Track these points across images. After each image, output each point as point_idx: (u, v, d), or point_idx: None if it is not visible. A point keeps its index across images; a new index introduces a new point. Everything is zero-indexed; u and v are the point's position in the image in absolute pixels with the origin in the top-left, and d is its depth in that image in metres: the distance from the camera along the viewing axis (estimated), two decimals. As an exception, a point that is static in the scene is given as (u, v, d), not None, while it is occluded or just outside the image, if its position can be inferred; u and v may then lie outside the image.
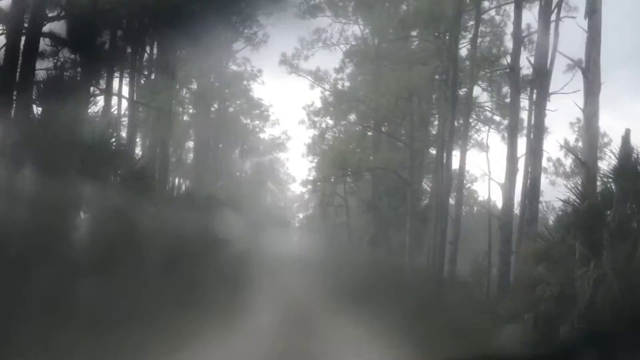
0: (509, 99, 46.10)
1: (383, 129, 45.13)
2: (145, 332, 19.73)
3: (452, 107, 37.90)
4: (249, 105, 65.28)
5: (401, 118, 43.57)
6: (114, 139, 24.97)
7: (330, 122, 54.98)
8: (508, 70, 34.40)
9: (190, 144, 56.99)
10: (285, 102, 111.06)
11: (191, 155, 56.78)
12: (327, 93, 49.76)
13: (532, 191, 29.19)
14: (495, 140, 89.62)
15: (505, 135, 46.16)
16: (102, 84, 30.77)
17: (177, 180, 32.36)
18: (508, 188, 32.25)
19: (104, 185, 22.44)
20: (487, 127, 51.86)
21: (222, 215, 33.48)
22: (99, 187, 22.11)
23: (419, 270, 41.70)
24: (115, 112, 31.23)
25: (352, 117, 50.02)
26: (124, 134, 33.10)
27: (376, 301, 37.85)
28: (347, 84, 49.59)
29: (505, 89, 47.21)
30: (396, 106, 41.86)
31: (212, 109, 57.12)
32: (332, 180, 49.25)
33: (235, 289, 31.54)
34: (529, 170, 31.26)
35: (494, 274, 38.68)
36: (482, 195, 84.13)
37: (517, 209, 33.69)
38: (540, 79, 29.79)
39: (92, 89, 29.56)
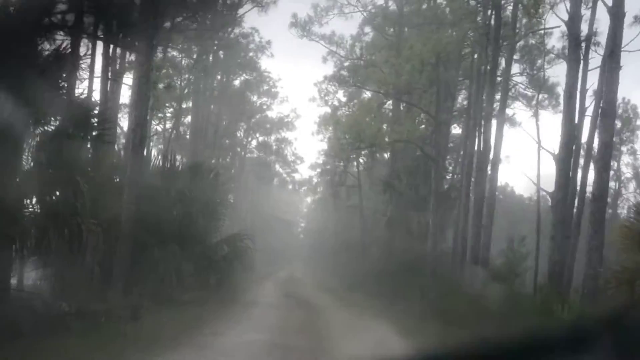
0: (543, 70, 40.35)
1: (404, 99, 38.61)
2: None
3: (492, 63, 31.69)
4: (256, 80, 58.99)
5: (427, 86, 37.16)
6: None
7: (344, 98, 49.04)
8: (564, 23, 27.93)
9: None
10: (295, 79, 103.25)
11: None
12: (342, 60, 43.40)
13: (602, 160, 22.80)
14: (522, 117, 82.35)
15: (532, 112, 40.91)
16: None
17: (170, 156, 26.27)
18: (564, 158, 25.84)
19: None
20: (516, 104, 46.10)
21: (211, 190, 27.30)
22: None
23: (444, 257, 35.55)
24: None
25: (368, 94, 43.90)
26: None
27: (397, 295, 32.19)
28: (365, 52, 42.94)
29: (540, 62, 41.36)
30: (421, 73, 35.51)
31: (215, 82, 50.80)
32: (346, 155, 42.83)
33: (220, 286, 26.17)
34: (597, 135, 25.03)
35: (532, 263, 32.53)
36: (501, 180, 78.17)
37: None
38: (615, 26, 23.40)
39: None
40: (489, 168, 32.52)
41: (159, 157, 26.49)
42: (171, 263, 23.28)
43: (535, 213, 34.60)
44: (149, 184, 23.15)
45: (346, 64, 42.39)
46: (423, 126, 39.90)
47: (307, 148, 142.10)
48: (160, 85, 34.43)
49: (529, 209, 57.75)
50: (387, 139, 37.08)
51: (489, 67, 32.35)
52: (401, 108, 40.34)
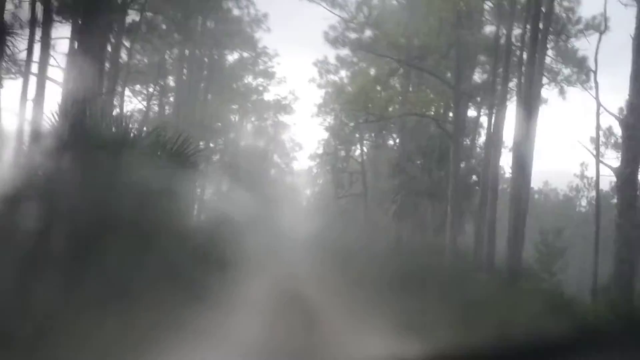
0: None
1: (418, 66, 32.01)
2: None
3: (531, 30, 25.37)
4: (251, 56, 52.49)
5: (446, 49, 30.56)
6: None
7: (347, 80, 42.63)
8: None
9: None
10: (293, 60, 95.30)
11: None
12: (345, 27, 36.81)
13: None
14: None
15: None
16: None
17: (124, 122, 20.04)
18: (634, 123, 19.43)
19: None
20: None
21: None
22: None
23: (464, 254, 29.39)
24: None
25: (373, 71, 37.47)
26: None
27: (407, 296, 26.20)
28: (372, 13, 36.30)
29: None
30: (439, 33, 29.12)
31: (205, 58, 44.37)
32: (349, 137, 36.31)
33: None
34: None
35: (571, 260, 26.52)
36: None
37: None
38: None
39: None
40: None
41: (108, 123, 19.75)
42: (121, 259, 16.92)
43: (568, 208, 28.54)
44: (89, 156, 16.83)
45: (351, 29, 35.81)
46: (441, 97, 33.42)
47: (306, 136, 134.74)
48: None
49: (559, 204, 50.96)
50: (398, 112, 30.64)
51: (527, 34, 26.05)
52: (413, 77, 33.78)
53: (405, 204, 32.75)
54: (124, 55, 32.30)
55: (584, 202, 58.42)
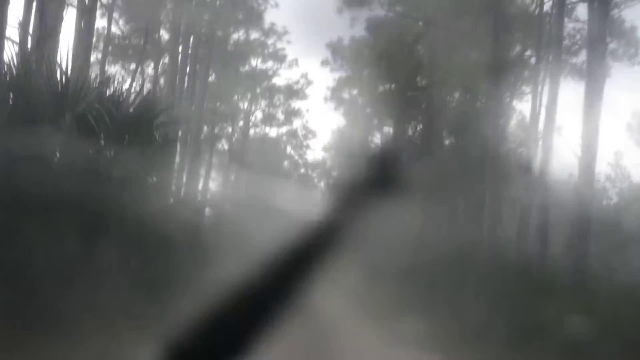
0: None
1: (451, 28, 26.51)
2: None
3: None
4: (259, 37, 47.32)
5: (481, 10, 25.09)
6: None
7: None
8: None
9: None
10: (305, 41, 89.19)
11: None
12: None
13: None
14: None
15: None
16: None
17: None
18: None
19: None
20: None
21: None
22: None
23: (503, 249, 24.44)
24: None
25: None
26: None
27: (437, 300, 21.90)
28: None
29: None
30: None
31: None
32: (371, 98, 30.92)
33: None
34: None
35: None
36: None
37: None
38: None
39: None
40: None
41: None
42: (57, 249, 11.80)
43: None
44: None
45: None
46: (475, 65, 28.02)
47: (321, 124, 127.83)
48: None
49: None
50: (426, 82, 25.28)
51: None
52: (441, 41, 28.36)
53: (432, 189, 27.45)
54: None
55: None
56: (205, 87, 38.71)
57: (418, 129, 36.50)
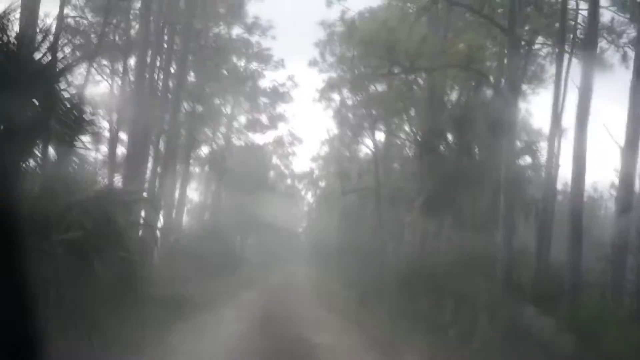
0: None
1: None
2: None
3: None
4: (241, 33, 43.52)
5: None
6: None
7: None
8: None
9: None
10: (290, 41, 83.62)
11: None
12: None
13: None
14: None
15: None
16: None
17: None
18: None
19: None
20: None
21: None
22: None
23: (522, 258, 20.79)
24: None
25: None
26: None
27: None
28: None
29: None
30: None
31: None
32: (369, 77, 26.63)
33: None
34: None
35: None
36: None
37: None
38: None
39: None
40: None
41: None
42: None
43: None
44: None
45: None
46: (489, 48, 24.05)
47: (307, 131, 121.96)
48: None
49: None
50: (432, 63, 21.27)
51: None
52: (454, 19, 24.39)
53: (435, 194, 23.64)
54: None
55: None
56: (181, 85, 34.79)
57: (414, 129, 32.85)
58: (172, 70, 34.56)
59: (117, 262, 10.57)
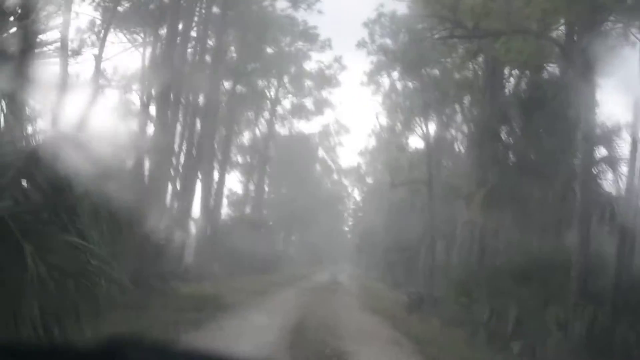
0: None
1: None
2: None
3: None
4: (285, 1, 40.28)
5: None
6: None
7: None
8: None
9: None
10: (337, 19, 79.00)
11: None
12: None
13: None
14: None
15: None
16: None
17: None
18: None
19: None
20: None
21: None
22: None
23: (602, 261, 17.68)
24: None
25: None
26: None
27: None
28: None
29: None
30: None
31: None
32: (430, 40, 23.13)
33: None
34: None
35: None
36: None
37: None
38: None
39: None
40: None
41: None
42: None
43: None
44: None
45: None
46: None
47: (354, 119, 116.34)
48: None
49: None
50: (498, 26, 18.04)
51: None
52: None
53: (500, 186, 20.51)
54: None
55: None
56: (219, 59, 31.98)
57: (469, 119, 29.84)
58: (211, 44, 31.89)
59: (64, 250, 7.70)
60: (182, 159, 30.10)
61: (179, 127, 29.07)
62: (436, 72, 31.10)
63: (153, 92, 27.50)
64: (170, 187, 29.52)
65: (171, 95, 25.60)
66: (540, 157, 20.46)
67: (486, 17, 16.96)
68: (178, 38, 26.68)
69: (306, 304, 24.74)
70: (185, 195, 28.96)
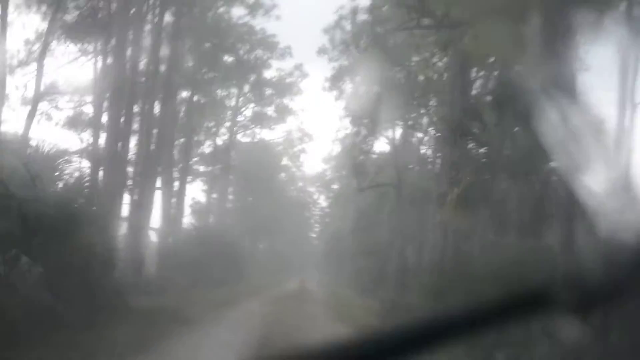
0: None
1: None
2: None
3: None
4: (242, 9, 38.99)
5: None
6: None
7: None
8: None
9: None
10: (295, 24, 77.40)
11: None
12: None
13: None
14: None
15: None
16: None
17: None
18: None
19: None
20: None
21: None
22: None
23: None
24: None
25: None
26: None
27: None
28: None
29: None
30: None
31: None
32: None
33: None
34: None
35: None
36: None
37: None
38: None
39: None
40: None
41: None
42: None
43: None
44: None
45: None
46: None
47: (317, 126, 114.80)
48: None
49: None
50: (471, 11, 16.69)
51: None
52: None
53: (472, 187, 19.24)
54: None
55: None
56: (173, 68, 30.51)
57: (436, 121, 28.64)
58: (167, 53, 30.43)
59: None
60: (139, 169, 28.58)
61: (135, 137, 27.70)
62: (400, 75, 30.13)
63: (105, 103, 26.19)
64: (128, 197, 28.13)
65: (123, 105, 24.17)
66: (515, 155, 19.19)
67: (455, 5, 15.67)
68: (129, 48, 25.19)
69: (273, 315, 23.22)
70: (144, 204, 27.44)
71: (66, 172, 17.21)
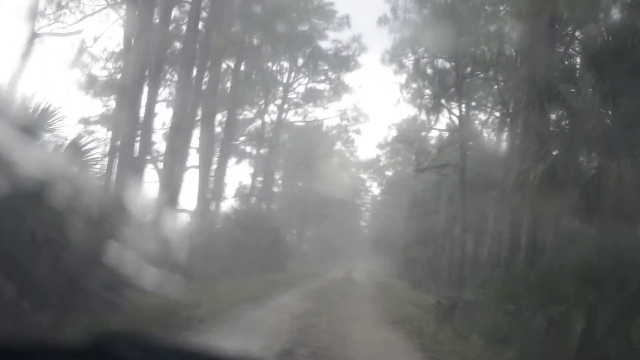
0: None
1: None
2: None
3: None
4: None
5: None
6: None
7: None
8: None
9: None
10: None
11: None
12: None
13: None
14: None
15: None
16: None
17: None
18: None
19: None
20: None
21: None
22: None
23: None
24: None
25: None
26: None
27: None
28: None
29: None
30: None
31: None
32: None
33: None
34: None
35: None
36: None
37: None
38: None
39: None
40: None
41: None
42: None
43: None
44: None
45: None
46: None
47: (374, 106, 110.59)
48: None
49: None
50: None
51: None
52: None
53: (562, 163, 15.02)
54: None
55: None
56: (213, 27, 26.47)
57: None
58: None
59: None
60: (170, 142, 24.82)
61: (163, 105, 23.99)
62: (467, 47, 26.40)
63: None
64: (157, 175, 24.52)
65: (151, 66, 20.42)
66: (616, 125, 14.93)
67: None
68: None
69: (307, 313, 19.01)
70: (171, 182, 23.53)
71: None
